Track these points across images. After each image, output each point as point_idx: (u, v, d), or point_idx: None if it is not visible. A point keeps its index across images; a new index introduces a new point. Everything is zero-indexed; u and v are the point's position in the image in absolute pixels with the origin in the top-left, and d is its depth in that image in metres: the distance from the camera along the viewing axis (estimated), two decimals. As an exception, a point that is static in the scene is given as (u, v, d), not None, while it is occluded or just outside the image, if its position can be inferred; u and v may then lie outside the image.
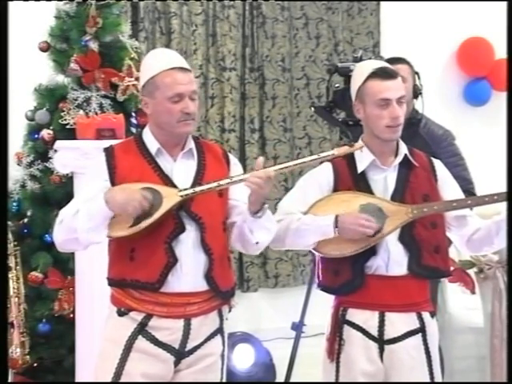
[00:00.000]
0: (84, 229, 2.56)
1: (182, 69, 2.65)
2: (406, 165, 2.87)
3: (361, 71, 2.86)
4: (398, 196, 2.82)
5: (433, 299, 3.07)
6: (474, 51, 6.01)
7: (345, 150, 2.69)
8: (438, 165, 2.96)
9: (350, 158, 2.84)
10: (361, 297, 2.79)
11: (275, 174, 2.57)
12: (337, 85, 3.80)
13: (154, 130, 2.72)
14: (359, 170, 2.84)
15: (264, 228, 2.65)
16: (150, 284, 2.60)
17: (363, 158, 2.84)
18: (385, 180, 2.85)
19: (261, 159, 2.61)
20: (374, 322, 2.80)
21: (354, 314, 2.82)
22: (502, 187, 2.83)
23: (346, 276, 2.80)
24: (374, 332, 2.79)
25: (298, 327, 4.11)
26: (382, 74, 2.79)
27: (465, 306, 4.46)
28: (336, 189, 2.85)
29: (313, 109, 4.26)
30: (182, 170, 2.69)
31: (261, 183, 2.53)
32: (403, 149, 2.89)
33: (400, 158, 2.87)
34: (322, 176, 2.87)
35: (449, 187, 2.93)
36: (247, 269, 5.50)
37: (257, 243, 2.68)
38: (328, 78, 3.85)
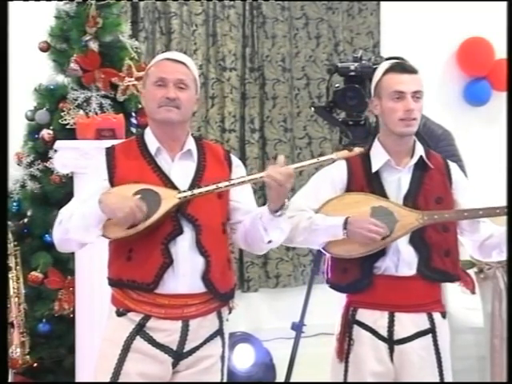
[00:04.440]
0: (75, 226, 2.56)
1: (172, 60, 2.69)
2: (421, 166, 2.85)
3: (381, 67, 2.87)
4: (411, 198, 2.80)
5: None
6: (474, 51, 6.01)
7: (344, 153, 2.68)
8: (454, 168, 2.93)
9: (364, 158, 2.84)
10: (370, 297, 2.78)
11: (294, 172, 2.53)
12: (337, 85, 3.79)
13: (153, 128, 2.72)
14: (373, 170, 2.83)
15: (279, 228, 2.63)
16: (145, 284, 2.60)
17: (378, 158, 2.83)
18: (398, 181, 2.83)
19: (282, 157, 2.56)
20: (383, 323, 2.79)
21: (364, 314, 2.82)
22: (502, 187, 2.83)
23: (355, 275, 2.80)
24: (384, 332, 2.79)
25: (298, 327, 4.10)
26: (398, 68, 2.81)
27: (465, 306, 4.45)
28: (349, 187, 2.85)
29: (313, 109, 4.24)
30: (179, 170, 2.68)
31: (281, 180, 2.49)
32: (419, 150, 2.87)
33: (415, 159, 2.85)
34: (336, 174, 2.86)
35: (463, 191, 2.89)
36: (247, 269, 5.49)
37: (269, 242, 2.65)
38: (328, 78, 3.84)
